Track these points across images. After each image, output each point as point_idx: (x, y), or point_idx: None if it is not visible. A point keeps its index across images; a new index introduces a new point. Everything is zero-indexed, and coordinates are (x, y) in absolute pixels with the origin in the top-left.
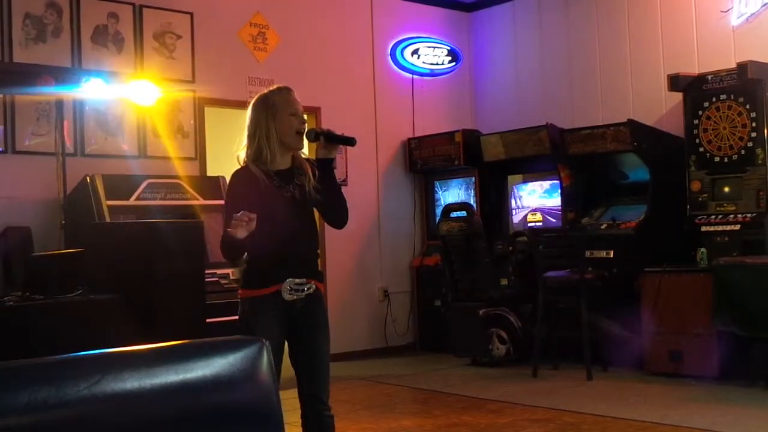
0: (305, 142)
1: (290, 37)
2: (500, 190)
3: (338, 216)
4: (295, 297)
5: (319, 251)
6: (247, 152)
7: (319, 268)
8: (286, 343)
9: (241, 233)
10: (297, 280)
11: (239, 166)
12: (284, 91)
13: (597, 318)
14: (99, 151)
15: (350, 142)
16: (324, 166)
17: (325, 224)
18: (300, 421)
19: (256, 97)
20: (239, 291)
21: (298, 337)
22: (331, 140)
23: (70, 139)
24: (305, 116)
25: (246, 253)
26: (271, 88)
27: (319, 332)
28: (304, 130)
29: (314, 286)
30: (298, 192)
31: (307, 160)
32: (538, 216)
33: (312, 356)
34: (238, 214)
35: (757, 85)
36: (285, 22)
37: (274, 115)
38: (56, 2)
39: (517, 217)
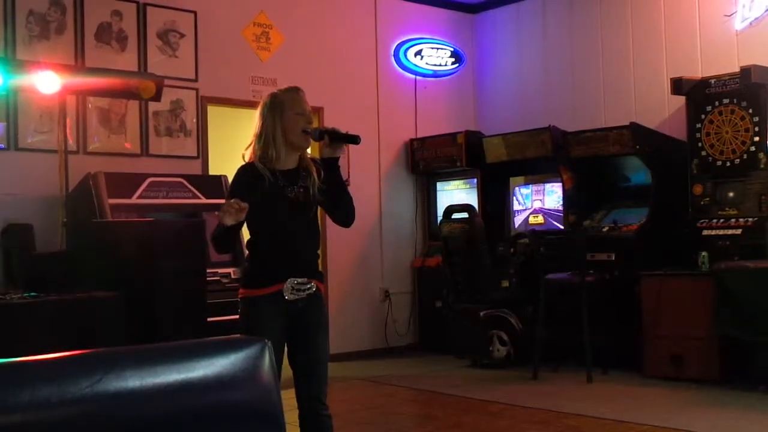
0: (310, 141)
1: (294, 37)
2: (502, 192)
3: (345, 214)
4: (296, 297)
5: (319, 252)
6: (254, 150)
7: (320, 269)
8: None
9: (228, 220)
10: (298, 280)
11: (244, 163)
12: (292, 91)
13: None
14: (101, 149)
15: (355, 140)
16: (329, 165)
17: (327, 224)
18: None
19: (266, 96)
20: (240, 290)
21: (298, 336)
22: (335, 139)
23: (72, 136)
24: (313, 117)
25: (247, 252)
26: (281, 88)
27: (319, 332)
28: (310, 130)
29: (315, 286)
30: (302, 193)
31: (313, 160)
32: (540, 218)
33: (311, 356)
34: (230, 201)
35: (760, 90)
36: (289, 22)
37: (281, 114)
38: (60, 0)
39: (518, 219)
